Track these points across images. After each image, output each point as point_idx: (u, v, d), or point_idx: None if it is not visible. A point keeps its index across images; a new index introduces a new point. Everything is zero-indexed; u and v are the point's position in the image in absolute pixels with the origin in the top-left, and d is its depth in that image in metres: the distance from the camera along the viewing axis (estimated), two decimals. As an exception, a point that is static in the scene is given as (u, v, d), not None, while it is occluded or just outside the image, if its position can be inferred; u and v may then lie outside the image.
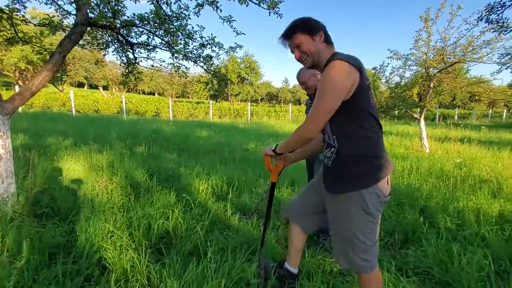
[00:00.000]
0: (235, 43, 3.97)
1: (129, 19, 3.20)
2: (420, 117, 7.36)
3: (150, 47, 3.87)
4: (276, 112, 21.53)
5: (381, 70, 7.07)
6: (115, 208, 2.53)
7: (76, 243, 1.88)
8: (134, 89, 42.82)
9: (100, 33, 3.60)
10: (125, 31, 3.59)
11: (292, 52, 1.35)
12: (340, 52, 1.29)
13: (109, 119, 11.76)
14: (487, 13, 4.19)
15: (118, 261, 1.77)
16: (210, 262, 1.70)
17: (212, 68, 4.14)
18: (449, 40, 7.46)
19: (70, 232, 2.09)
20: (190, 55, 3.90)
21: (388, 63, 12.88)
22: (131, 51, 3.86)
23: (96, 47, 3.71)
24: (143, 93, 47.89)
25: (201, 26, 3.57)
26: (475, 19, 4.51)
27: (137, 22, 3.24)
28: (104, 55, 3.89)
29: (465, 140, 8.49)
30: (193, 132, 9.10)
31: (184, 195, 2.85)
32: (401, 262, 2.01)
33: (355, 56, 1.24)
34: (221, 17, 3.35)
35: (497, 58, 10.18)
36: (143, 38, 3.89)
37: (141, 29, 3.60)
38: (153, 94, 47.97)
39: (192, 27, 3.48)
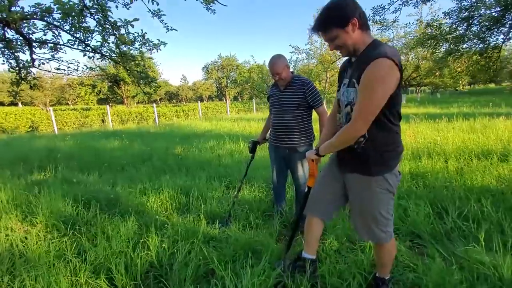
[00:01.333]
0: (158, 39, 3.62)
1: (26, 11, 2.44)
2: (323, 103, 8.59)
3: (51, 44, 3.07)
4: (184, 111, 20.68)
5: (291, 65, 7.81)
6: (69, 255, 1.97)
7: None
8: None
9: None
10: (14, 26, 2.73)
11: (326, 41, 1.34)
12: (382, 44, 1.26)
13: (-37, 144, 8.68)
14: (373, 14, 5.23)
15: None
16: (236, 279, 1.58)
17: (138, 69, 3.65)
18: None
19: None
20: (108, 53, 3.32)
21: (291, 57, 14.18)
22: (24, 51, 2.96)
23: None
24: (1, 104, 36.97)
25: (125, 20, 3.08)
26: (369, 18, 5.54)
27: (38, 15, 2.50)
28: (-21, 58, 2.79)
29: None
30: (100, 144, 7.78)
31: (157, 216, 2.47)
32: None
33: (395, 49, 1.26)
34: (150, 10, 2.98)
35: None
36: (39, 34, 3.05)
37: (39, 23, 2.81)
38: (16, 104, 37.67)
39: (115, 21, 2.95)
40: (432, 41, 5.73)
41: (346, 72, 1.45)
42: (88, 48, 3.03)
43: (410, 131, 6.47)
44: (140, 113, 18.84)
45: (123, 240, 2.21)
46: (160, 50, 3.49)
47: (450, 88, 34.22)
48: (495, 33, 5.18)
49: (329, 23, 1.27)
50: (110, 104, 28.24)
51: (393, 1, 4.77)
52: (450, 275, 1.62)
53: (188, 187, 3.53)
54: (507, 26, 4.95)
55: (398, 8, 4.94)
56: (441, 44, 5.78)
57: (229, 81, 37.12)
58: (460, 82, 25.85)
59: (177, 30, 3.38)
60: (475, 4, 4.81)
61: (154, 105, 17.54)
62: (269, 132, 2.79)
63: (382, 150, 1.35)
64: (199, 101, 21.38)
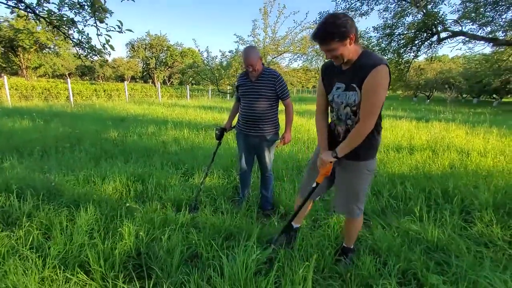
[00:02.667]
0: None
1: None
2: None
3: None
4: (105, 91, 18.29)
5: (236, 54, 7.87)
6: (24, 250, 1.67)
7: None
8: None
9: None
10: None
11: (322, 50, 1.47)
12: (372, 52, 1.45)
13: None
14: (319, 18, 5.73)
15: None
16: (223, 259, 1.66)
17: (81, 39, 3.15)
18: (277, 32, 9.40)
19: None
20: (44, 13, 2.78)
21: (236, 49, 13.89)
22: None
23: None
24: None
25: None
26: (311, 22, 6.04)
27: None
28: None
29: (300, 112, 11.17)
30: (1, 123, 6.33)
31: (127, 204, 2.27)
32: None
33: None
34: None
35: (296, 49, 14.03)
36: None
37: None
38: None
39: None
40: (363, 50, 6.73)
41: (335, 77, 1.61)
42: (21, 4, 2.46)
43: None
44: (48, 89, 15.83)
45: (85, 231, 2.00)
46: (107, 18, 3.03)
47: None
48: (408, 50, 6.44)
49: (331, 38, 1.38)
50: (2, 74, 22.67)
51: (336, 10, 5.41)
52: (394, 240, 2.07)
53: (140, 174, 3.32)
54: (417, 46, 6.24)
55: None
56: (369, 54, 6.83)
57: (158, 63, 34.39)
58: None
59: (134, 1, 3.06)
60: (395, 23, 5.89)
61: (69, 80, 14.89)
62: (236, 119, 2.86)
63: (371, 141, 1.60)
64: (125, 82, 19.19)
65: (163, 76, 37.45)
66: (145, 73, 42.00)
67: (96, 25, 2.32)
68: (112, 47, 2.48)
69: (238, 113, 2.84)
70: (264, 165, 2.72)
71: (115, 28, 2.28)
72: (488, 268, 1.68)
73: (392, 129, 7.18)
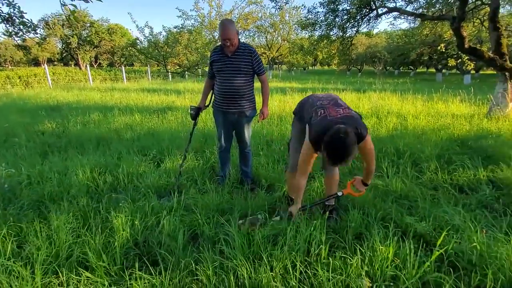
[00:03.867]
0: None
1: None
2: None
3: None
4: (21, 78, 15.44)
5: (182, 29, 7.39)
6: (10, 264, 1.45)
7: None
8: None
9: None
10: None
11: None
12: (345, 126, 1.64)
13: None
14: (269, -7, 5.68)
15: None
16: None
17: (11, 13, 2.62)
18: (222, 7, 9.01)
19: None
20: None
21: (182, 24, 12.54)
22: None
23: None
24: None
25: None
26: None
27: None
28: None
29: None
30: None
31: (113, 195, 2.08)
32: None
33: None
34: None
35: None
36: None
37: None
38: None
39: None
40: (311, 26, 7.03)
41: None
42: None
43: (292, 101, 7.76)
44: None
45: (67, 230, 1.81)
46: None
47: (300, 67, 41.40)
48: (350, 25, 6.92)
49: (354, 155, 1.61)
50: None
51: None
52: (368, 195, 2.38)
53: (105, 165, 3.05)
54: (358, 22, 6.76)
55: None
56: (316, 29, 7.16)
57: (81, 42, 29.98)
58: (333, 61, 32.57)
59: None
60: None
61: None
62: (211, 97, 2.79)
63: None
64: (45, 65, 16.42)
65: (89, 57, 32.95)
66: (65, 54, 36.32)
67: (58, -7, 1.92)
68: (76, 19, 2.09)
69: (211, 91, 2.77)
70: (243, 141, 2.75)
71: (81, -3, 1.92)
72: (444, 205, 2.09)
73: (339, 100, 7.78)
